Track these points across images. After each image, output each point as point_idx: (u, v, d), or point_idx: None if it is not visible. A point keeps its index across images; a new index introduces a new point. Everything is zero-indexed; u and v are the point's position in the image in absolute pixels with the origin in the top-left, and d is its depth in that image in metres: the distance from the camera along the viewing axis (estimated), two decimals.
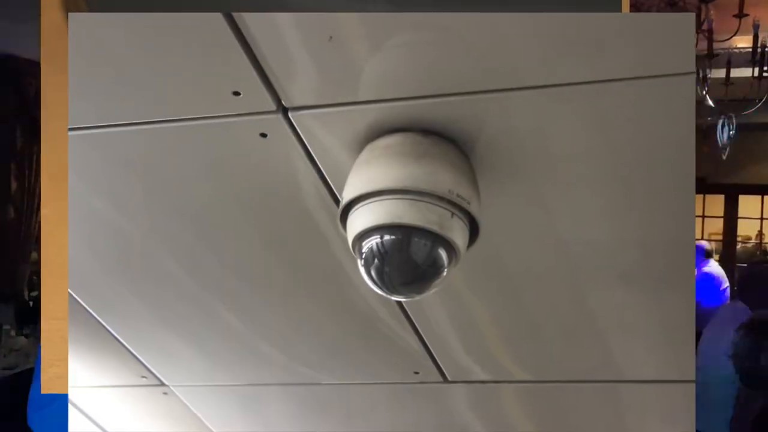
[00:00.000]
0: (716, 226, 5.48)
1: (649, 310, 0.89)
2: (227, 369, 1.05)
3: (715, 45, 2.62)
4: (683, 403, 1.01)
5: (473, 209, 0.75)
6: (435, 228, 0.74)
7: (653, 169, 0.75)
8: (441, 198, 0.74)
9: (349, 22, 0.66)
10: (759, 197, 5.34)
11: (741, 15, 2.46)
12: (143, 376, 1.09)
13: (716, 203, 5.32)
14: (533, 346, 0.96)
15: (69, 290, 0.96)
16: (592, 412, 1.05)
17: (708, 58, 2.59)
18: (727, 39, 2.58)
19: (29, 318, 2.70)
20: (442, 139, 0.74)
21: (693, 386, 0.99)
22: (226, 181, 0.80)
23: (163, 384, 1.11)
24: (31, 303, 2.80)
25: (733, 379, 1.46)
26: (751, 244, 5.45)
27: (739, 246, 5.40)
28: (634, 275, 0.85)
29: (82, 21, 0.70)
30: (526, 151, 0.74)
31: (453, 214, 0.74)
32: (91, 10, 0.98)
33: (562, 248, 0.83)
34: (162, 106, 0.75)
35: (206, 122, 0.75)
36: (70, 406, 1.18)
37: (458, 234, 0.75)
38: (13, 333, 2.52)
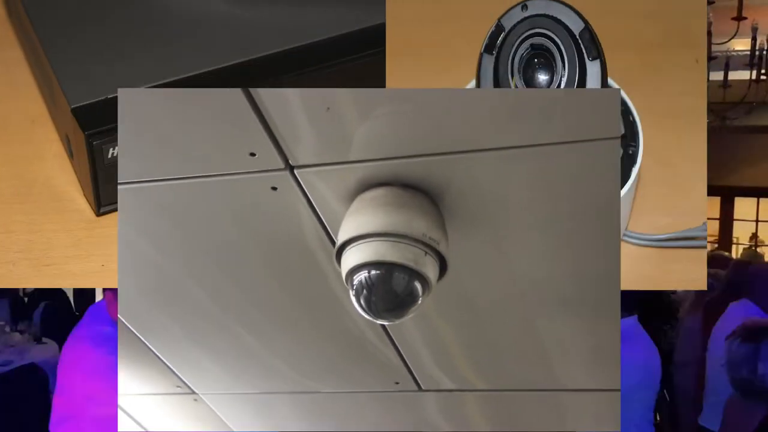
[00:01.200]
0: (712, 227, 4.92)
1: (582, 332, 0.88)
2: (245, 380, 1.04)
3: (713, 47, 2.45)
4: (610, 407, 1.00)
5: (442, 249, 0.74)
6: (411, 264, 0.72)
7: (586, 217, 0.73)
8: (416, 240, 0.72)
9: (342, 96, 0.66)
10: (755, 199, 5.00)
11: (739, 18, 2.36)
12: (178, 386, 1.07)
13: (713, 205, 4.94)
14: (490, 361, 0.95)
15: (119, 316, 0.96)
16: (538, 415, 1.04)
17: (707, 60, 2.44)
18: (726, 42, 2.47)
19: (24, 314, 2.27)
20: (418, 191, 0.73)
21: (618, 394, 0.98)
22: (244, 226, 0.79)
23: (193, 392, 1.09)
24: (26, 299, 2.37)
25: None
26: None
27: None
28: (570, 303, 0.84)
29: (130, 95, 0.69)
30: (484, 202, 0.73)
31: (426, 252, 0.73)
32: (26, 9, 1.01)
33: (513, 281, 0.82)
34: (193, 164, 0.73)
35: (228, 178, 0.74)
36: (120, 412, 1.16)
37: (430, 269, 0.73)
38: (7, 329, 2.21)
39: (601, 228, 0.74)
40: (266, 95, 0.66)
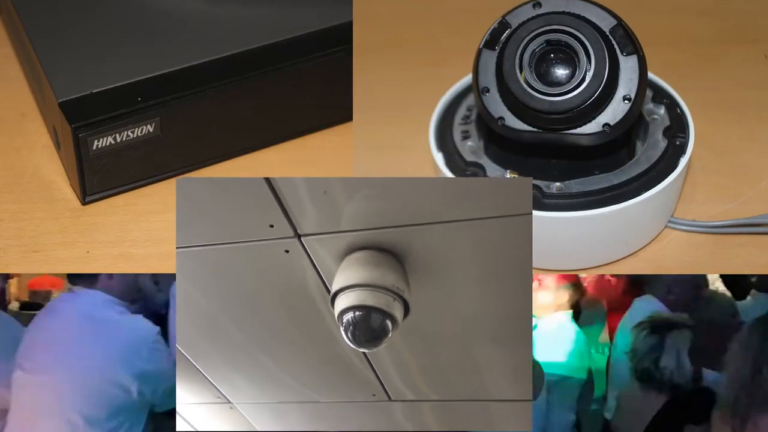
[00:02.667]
0: None
1: (506, 356, 0.84)
2: (265, 392, 0.99)
3: None
4: (525, 413, 0.95)
5: (406, 296, 0.70)
6: (384, 307, 0.68)
7: (509, 272, 0.70)
8: (387, 289, 0.68)
9: (336, 182, 0.63)
10: None
11: None
12: (218, 397, 1.03)
13: None
14: (440, 379, 0.90)
15: (177, 346, 0.92)
16: (474, 418, 0.99)
17: None
18: None
19: None
20: (389, 253, 0.69)
21: (531, 404, 0.93)
22: (265, 279, 0.75)
23: (229, 402, 1.04)
24: None
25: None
26: None
27: None
28: (497, 335, 0.80)
29: (186, 183, 0.66)
30: (436, 260, 0.70)
31: (395, 299, 0.69)
32: (15, 5, 0.84)
33: (458, 319, 0.78)
34: (229, 233, 0.70)
35: (254, 243, 0.70)
36: (178, 417, 1.12)
37: (398, 311, 0.70)
38: None
39: (518, 280, 0.71)
40: (281, 182, 0.63)
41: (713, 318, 1.03)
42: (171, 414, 0.96)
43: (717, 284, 1.24)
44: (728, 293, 1.22)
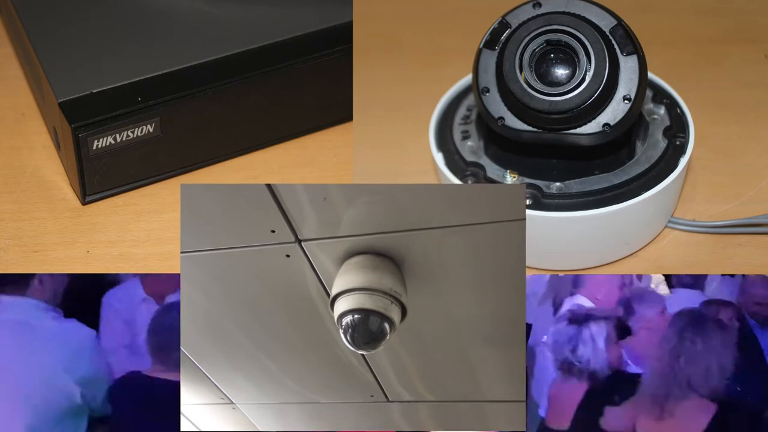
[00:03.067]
0: None
1: (499, 358, 0.84)
2: (267, 394, 1.00)
3: None
4: (518, 413, 0.96)
5: (403, 299, 0.71)
6: (382, 310, 0.69)
7: (502, 275, 0.71)
8: (385, 293, 0.69)
9: (335, 189, 0.63)
10: None
11: None
12: (221, 398, 1.03)
13: None
14: (436, 380, 0.91)
15: (182, 348, 0.92)
16: (469, 418, 1.00)
17: None
18: None
19: None
20: (386, 258, 0.70)
21: (524, 404, 0.94)
22: (266, 283, 0.76)
23: (232, 403, 1.05)
24: None
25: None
26: None
27: None
28: (491, 338, 0.80)
29: (190, 189, 0.67)
30: (432, 265, 0.70)
31: (392, 302, 0.70)
32: (15, 5, 0.82)
33: (453, 322, 0.79)
34: (231, 239, 0.71)
35: (256, 248, 0.71)
36: (182, 417, 1.12)
37: (395, 314, 0.70)
38: None
39: (512, 284, 0.72)
40: (283, 188, 0.64)
41: (644, 315, 1.02)
42: (104, 421, 0.93)
43: (661, 286, 1.22)
44: (661, 290, 1.19)
